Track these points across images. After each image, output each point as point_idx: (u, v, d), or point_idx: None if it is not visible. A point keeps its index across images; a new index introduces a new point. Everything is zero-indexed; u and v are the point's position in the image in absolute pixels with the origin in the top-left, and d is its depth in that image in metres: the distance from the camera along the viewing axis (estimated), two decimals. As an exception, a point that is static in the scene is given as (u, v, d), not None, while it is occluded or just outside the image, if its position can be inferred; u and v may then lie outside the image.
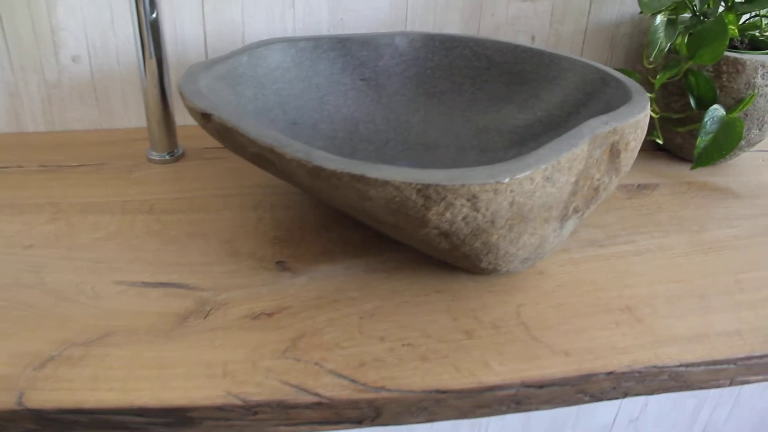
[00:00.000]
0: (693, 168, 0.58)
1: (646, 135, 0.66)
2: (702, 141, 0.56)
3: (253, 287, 0.45)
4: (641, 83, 0.65)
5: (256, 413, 0.37)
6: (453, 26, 0.67)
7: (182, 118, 0.68)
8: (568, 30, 0.67)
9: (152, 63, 0.55)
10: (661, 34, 0.55)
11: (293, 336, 0.41)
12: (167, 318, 0.42)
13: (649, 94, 0.61)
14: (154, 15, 0.54)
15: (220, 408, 0.36)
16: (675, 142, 0.64)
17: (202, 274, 0.46)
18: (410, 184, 0.35)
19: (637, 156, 0.66)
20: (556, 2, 0.67)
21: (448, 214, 0.36)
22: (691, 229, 0.54)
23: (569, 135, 0.40)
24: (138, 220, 0.52)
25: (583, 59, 0.54)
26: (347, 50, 0.57)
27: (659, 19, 0.55)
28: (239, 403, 0.36)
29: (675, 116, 0.61)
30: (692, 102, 0.57)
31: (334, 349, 0.40)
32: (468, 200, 0.36)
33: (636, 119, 0.45)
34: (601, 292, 0.46)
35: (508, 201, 0.36)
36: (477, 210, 0.36)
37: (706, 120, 0.56)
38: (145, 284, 0.45)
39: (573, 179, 0.41)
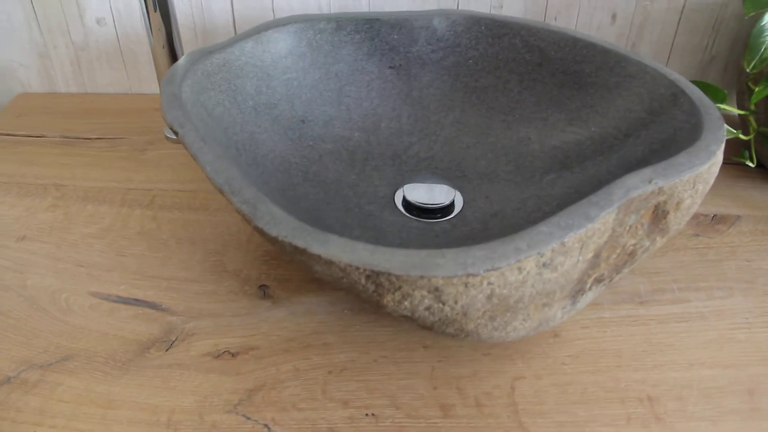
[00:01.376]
0: (788, 207, 0.46)
1: (735, 155, 0.54)
2: (804, 177, 0.44)
3: (226, 316, 0.42)
4: (734, 95, 0.52)
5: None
6: (515, 1, 0.56)
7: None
8: (660, 8, 0.54)
9: (157, 18, 0.50)
10: (767, 38, 0.42)
11: (251, 386, 0.37)
12: (130, 345, 0.40)
13: (741, 112, 0.48)
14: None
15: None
16: (776, 162, 0.51)
17: (179, 292, 0.43)
18: (357, 268, 0.29)
19: (721, 174, 0.54)
20: (648, -27, 0.54)
21: (406, 303, 0.30)
22: (764, 289, 0.44)
23: (589, 201, 0.32)
24: (134, 216, 0.49)
25: (656, 65, 0.43)
26: (375, 32, 0.49)
27: (767, 18, 0.42)
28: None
29: (778, 135, 0.48)
30: (801, 124, 0.45)
31: (290, 411, 0.36)
32: (429, 292, 0.29)
33: (697, 172, 0.35)
34: (622, 371, 0.38)
35: (484, 294, 0.30)
36: (443, 303, 0.30)
37: (814, 151, 0.43)
38: (119, 299, 0.43)
39: (589, 255, 0.33)
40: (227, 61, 0.45)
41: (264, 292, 0.43)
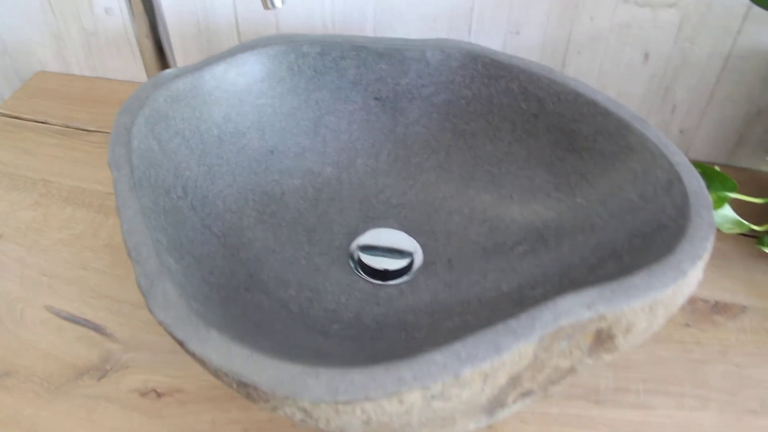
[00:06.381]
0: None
1: (753, 238, 0.47)
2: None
3: (163, 352, 0.41)
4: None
5: None
6: (534, 28, 0.50)
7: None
8: (703, 52, 0.47)
9: (139, 7, 0.48)
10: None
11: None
12: (66, 368, 0.40)
13: (759, 201, 0.41)
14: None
15: None
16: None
17: (127, 317, 0.43)
18: (226, 374, 0.27)
19: (738, 251, 0.47)
20: (688, 11, 0.46)
21: (279, 412, 0.28)
22: (747, 406, 0.39)
23: (505, 327, 0.29)
24: (107, 225, 0.49)
25: (661, 140, 0.38)
26: (362, 61, 0.46)
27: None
28: None
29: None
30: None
31: (196, 467, 0.36)
32: (299, 410, 0.27)
33: (654, 298, 0.30)
34: (551, 482, 0.35)
35: (359, 420, 0.27)
36: (316, 420, 0.28)
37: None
38: (70, 317, 0.43)
39: (501, 383, 0.30)
40: (195, 85, 0.43)
41: (206, 329, 0.43)
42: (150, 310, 0.29)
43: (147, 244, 0.32)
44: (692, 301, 0.44)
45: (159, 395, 0.39)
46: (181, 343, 0.28)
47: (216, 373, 0.28)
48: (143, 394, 0.39)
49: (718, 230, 0.48)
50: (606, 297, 0.30)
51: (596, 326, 0.30)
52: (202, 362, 0.28)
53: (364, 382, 0.27)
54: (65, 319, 0.43)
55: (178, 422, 0.38)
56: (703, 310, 0.44)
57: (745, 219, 0.48)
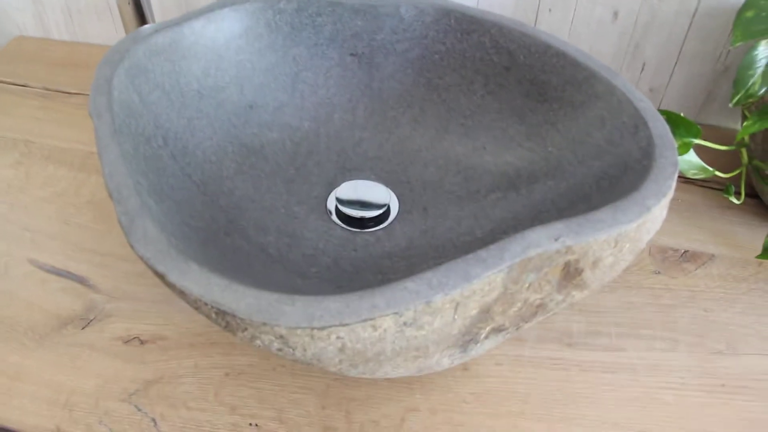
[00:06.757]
0: (760, 257, 0.42)
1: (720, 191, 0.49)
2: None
3: (146, 301, 0.42)
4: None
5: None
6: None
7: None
8: (670, 9, 0.48)
9: None
10: (758, 71, 0.36)
11: (150, 378, 0.38)
12: (51, 319, 0.41)
13: (723, 147, 0.43)
14: None
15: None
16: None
17: (110, 269, 0.44)
18: (206, 303, 0.28)
19: (707, 202, 0.49)
20: (658, -31, 0.47)
21: (257, 342, 0.29)
22: (714, 347, 0.40)
23: (476, 257, 0.30)
24: (90, 182, 0.50)
25: (627, 88, 0.39)
26: (338, 17, 0.46)
27: (763, 47, 0.36)
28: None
29: (770, 172, 0.43)
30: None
31: (179, 408, 0.37)
32: (276, 338, 0.28)
33: (618, 232, 0.31)
34: (525, 419, 0.37)
35: (335, 347, 0.28)
36: (292, 348, 0.29)
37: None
38: (53, 270, 0.44)
39: (472, 313, 0.31)
40: (174, 40, 0.43)
41: (188, 280, 0.43)
42: (131, 246, 0.30)
43: (128, 185, 0.33)
44: (662, 250, 0.46)
45: (142, 342, 0.40)
46: (161, 276, 0.29)
47: (195, 303, 0.29)
48: (126, 341, 0.40)
49: (687, 182, 0.50)
50: (573, 230, 0.31)
51: (564, 259, 0.31)
52: (182, 293, 0.29)
53: (339, 308, 0.27)
54: (48, 271, 0.44)
55: (161, 367, 0.39)
56: (673, 259, 0.45)
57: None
